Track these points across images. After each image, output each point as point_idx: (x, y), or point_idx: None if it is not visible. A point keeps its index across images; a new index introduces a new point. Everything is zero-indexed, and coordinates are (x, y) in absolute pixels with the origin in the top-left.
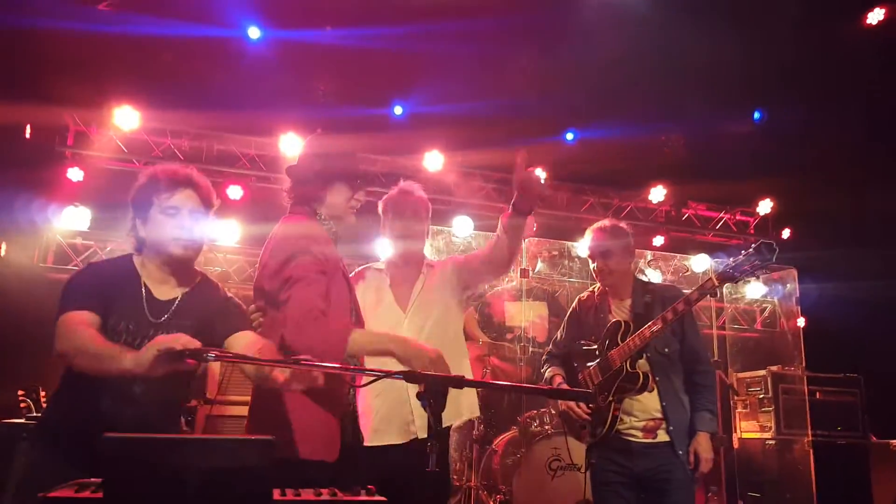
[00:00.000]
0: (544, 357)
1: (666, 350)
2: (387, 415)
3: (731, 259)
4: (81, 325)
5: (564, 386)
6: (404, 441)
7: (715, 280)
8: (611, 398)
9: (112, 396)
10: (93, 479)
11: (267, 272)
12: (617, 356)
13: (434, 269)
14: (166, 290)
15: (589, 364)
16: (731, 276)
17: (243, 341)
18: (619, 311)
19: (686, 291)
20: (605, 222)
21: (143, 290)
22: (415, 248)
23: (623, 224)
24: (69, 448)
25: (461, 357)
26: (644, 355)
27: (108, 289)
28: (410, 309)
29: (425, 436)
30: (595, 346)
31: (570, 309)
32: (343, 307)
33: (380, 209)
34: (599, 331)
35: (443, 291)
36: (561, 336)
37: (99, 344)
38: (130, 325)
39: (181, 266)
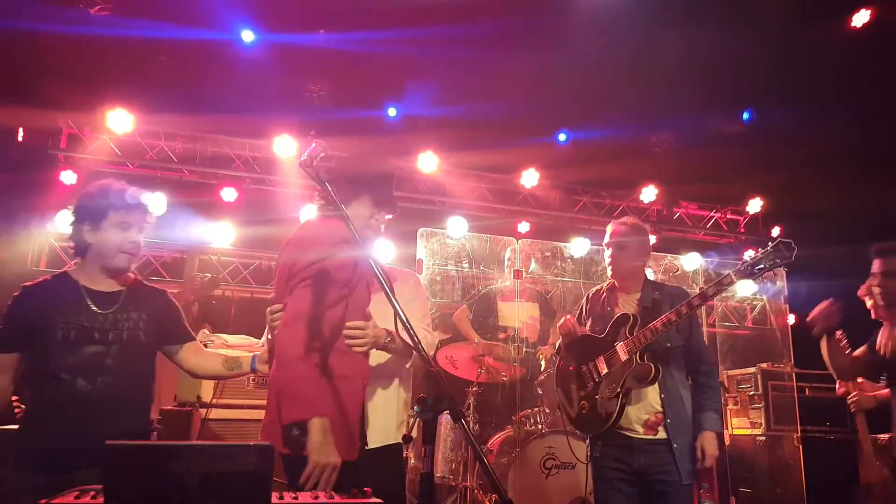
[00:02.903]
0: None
1: (668, 344)
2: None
3: (749, 256)
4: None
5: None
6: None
7: (733, 277)
8: (619, 390)
9: (73, 402)
10: (93, 486)
11: (296, 268)
12: (626, 348)
13: (396, 279)
14: (109, 285)
15: (595, 355)
16: (750, 273)
17: (200, 353)
18: (627, 305)
19: (692, 293)
20: (628, 218)
21: (82, 290)
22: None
23: (645, 225)
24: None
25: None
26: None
27: (37, 310)
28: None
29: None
30: (600, 338)
31: (583, 301)
32: (360, 314)
33: None
34: (604, 321)
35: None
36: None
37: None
38: (77, 323)
39: (119, 272)
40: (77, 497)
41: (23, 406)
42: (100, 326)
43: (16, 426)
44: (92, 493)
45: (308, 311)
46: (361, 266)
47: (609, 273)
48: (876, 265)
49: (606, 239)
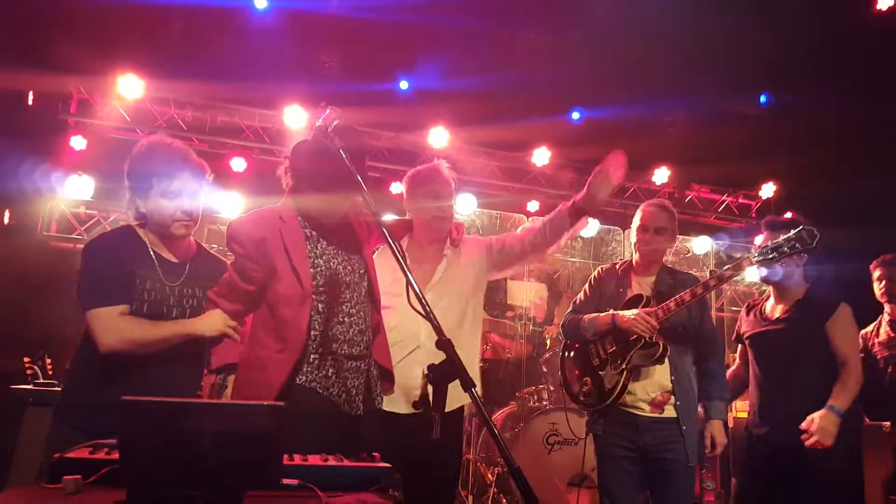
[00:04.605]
0: (569, 312)
1: (681, 328)
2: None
3: (771, 241)
4: (122, 318)
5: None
6: (407, 412)
7: (752, 260)
8: (624, 366)
9: (135, 373)
10: (107, 441)
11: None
12: None
13: (460, 249)
14: (170, 255)
15: (603, 333)
16: (771, 259)
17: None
18: (640, 287)
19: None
20: (662, 200)
21: (153, 255)
22: (446, 227)
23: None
24: (95, 425)
25: (474, 339)
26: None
27: (125, 264)
28: (430, 289)
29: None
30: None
31: (593, 275)
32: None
33: (405, 186)
34: (616, 302)
35: (467, 273)
36: (581, 300)
37: (155, 325)
38: (153, 291)
39: (180, 240)
40: (91, 452)
41: (35, 367)
42: (166, 301)
43: (29, 386)
44: (106, 448)
45: (220, 293)
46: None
47: (637, 255)
48: (763, 237)
49: (641, 221)
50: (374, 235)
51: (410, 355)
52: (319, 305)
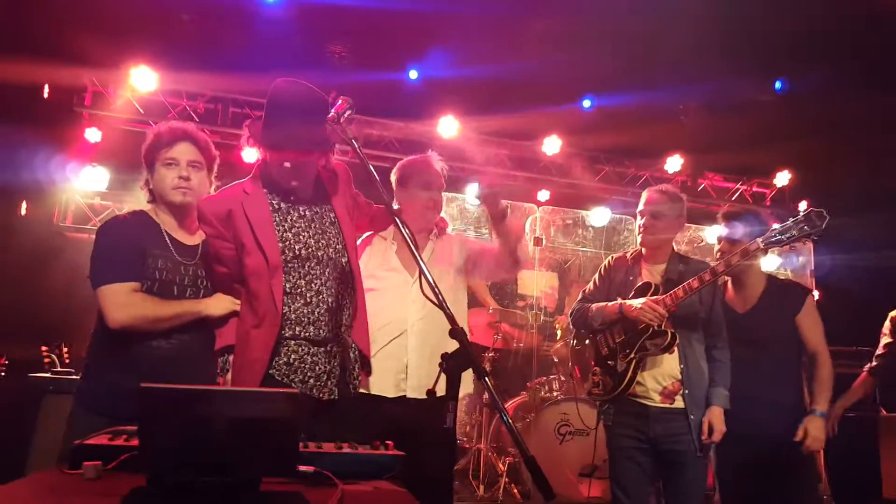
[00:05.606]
0: (578, 301)
1: (692, 315)
2: (381, 367)
3: (779, 224)
4: (133, 294)
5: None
6: (395, 395)
7: (760, 244)
8: (632, 356)
9: (149, 360)
10: (126, 427)
11: None
12: None
13: (442, 240)
14: (184, 236)
15: (611, 323)
16: (778, 241)
17: None
18: (650, 275)
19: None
20: (666, 186)
21: (166, 236)
22: (435, 218)
23: (682, 194)
24: (117, 410)
25: (463, 325)
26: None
27: (137, 243)
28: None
29: (418, 396)
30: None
31: (604, 264)
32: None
33: (397, 175)
34: (626, 291)
35: (448, 263)
36: (590, 290)
37: (166, 303)
38: (164, 271)
39: (187, 214)
40: (111, 439)
41: (52, 356)
42: (180, 281)
43: (47, 374)
44: (125, 435)
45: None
46: (240, 226)
47: (638, 241)
48: (720, 228)
49: (641, 206)
50: (367, 218)
51: (398, 339)
52: (287, 285)
